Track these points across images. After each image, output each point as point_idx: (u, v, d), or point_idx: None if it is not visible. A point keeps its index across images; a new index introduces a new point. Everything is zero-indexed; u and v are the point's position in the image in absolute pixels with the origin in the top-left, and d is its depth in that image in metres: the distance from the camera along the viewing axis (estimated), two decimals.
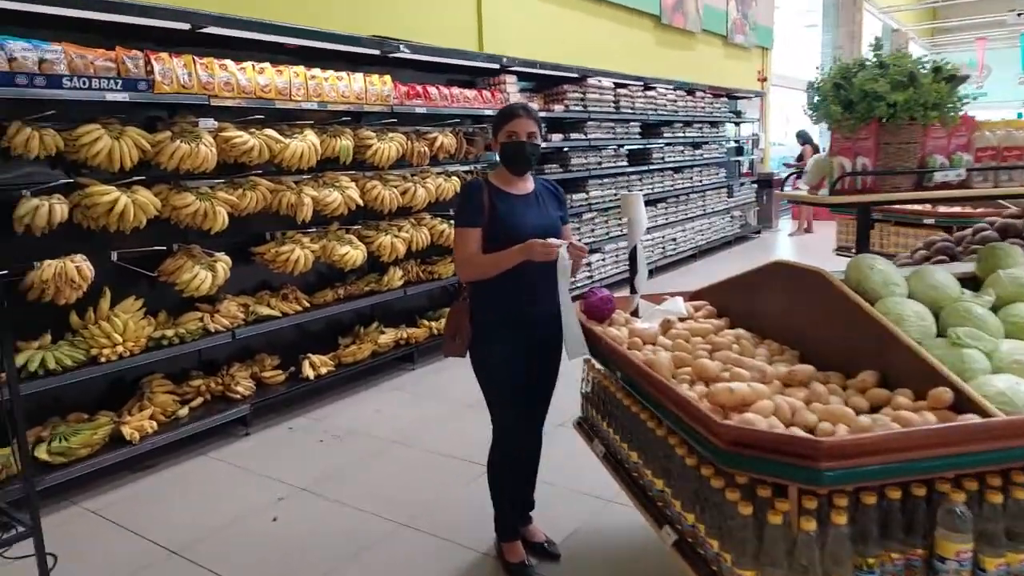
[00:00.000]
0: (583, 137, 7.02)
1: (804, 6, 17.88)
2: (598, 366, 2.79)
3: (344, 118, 4.84)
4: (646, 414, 2.19)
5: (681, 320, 2.76)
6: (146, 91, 3.58)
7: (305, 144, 4.37)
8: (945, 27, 27.76)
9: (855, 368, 2.01)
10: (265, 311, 4.34)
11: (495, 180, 2.59)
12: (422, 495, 3.37)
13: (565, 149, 6.97)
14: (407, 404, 4.66)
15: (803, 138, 12.01)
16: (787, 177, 11.85)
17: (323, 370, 4.63)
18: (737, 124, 11.31)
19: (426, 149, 5.26)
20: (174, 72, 3.68)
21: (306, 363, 4.61)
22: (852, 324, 2.06)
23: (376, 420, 4.38)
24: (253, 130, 4.14)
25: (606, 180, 7.59)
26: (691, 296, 3.09)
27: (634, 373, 2.20)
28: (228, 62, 3.97)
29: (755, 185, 11.77)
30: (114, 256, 3.77)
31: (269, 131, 4.20)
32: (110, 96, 3.43)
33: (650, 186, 8.42)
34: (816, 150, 11.67)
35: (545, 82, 6.83)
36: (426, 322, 5.53)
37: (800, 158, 12.00)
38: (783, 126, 15.03)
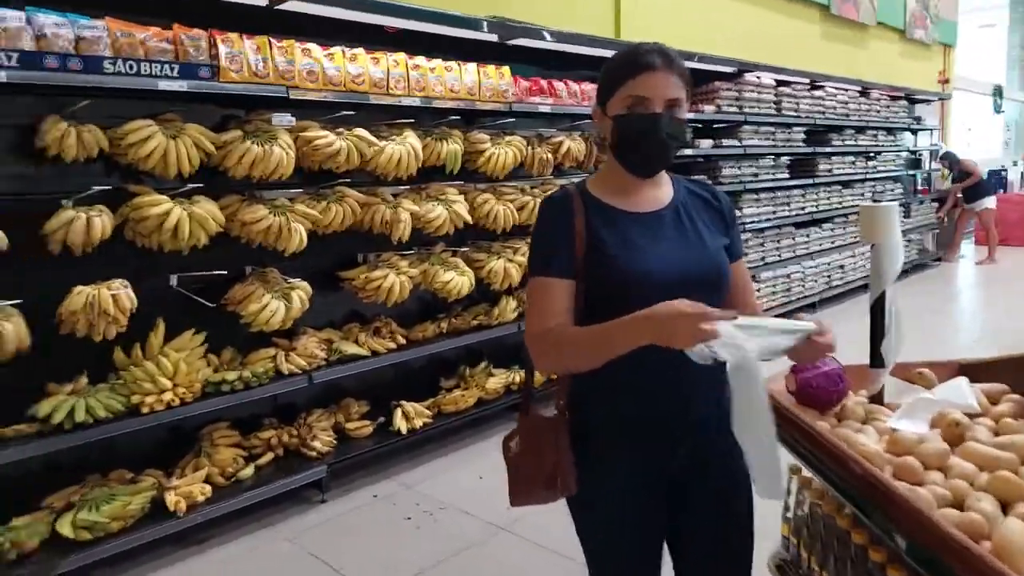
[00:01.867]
0: (737, 143, 5.88)
1: (983, 2, 15.58)
2: (817, 482, 1.73)
3: (452, 117, 4.02)
4: None
5: (971, 417, 1.65)
6: (210, 79, 2.89)
7: (404, 148, 3.58)
8: None
9: None
10: (351, 349, 3.56)
11: (597, 188, 1.50)
12: None
13: (714, 157, 5.85)
14: None
15: (948, 159, 10.05)
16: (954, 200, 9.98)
17: (418, 422, 3.79)
18: (914, 132, 9.63)
19: (549, 156, 4.35)
20: (245, 57, 2.98)
21: (399, 412, 3.79)
22: None
23: (478, 492, 3.46)
24: (341, 130, 3.39)
25: (763, 195, 6.37)
26: (961, 368, 1.96)
27: (946, 554, 1.13)
28: (312, 46, 3.24)
29: (935, 204, 10.00)
30: (173, 281, 3.10)
31: (360, 131, 3.43)
32: (164, 84, 2.76)
33: (814, 203, 7.08)
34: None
35: (693, 77, 5.74)
36: None
37: (964, 175, 9.91)
38: (963, 135, 12.98)
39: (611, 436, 1.49)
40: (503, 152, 4.04)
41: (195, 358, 3.08)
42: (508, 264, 4.15)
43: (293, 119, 3.18)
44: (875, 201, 8.34)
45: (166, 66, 2.77)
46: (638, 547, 1.54)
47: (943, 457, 1.45)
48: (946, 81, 11.20)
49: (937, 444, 1.49)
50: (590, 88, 4.58)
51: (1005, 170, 14.61)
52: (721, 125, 5.92)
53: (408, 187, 3.81)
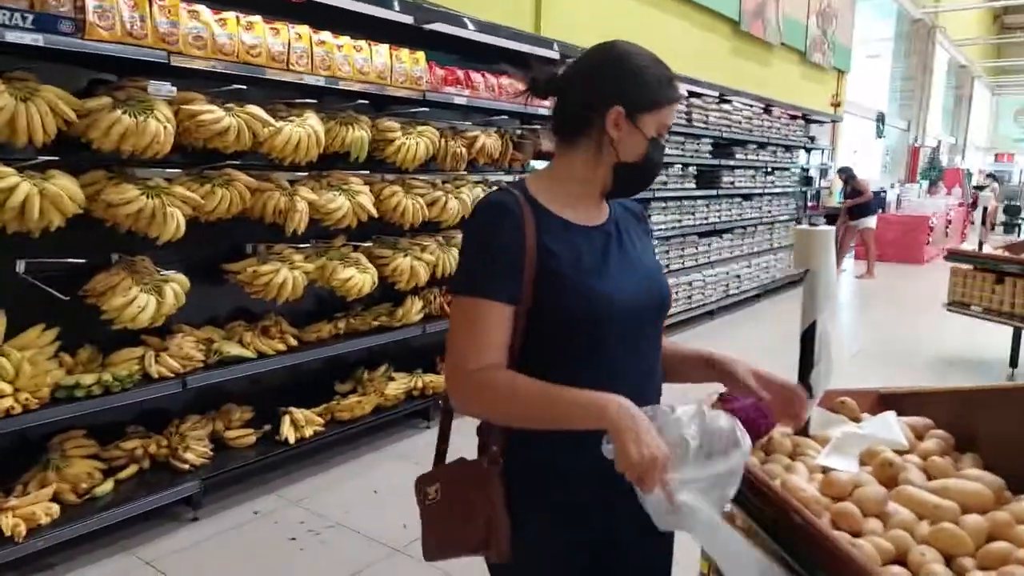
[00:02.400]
0: None
1: (870, 35, 16.60)
2: (742, 519, 1.61)
3: (360, 102, 3.72)
4: None
5: (900, 455, 1.57)
6: (73, 35, 2.48)
7: (304, 131, 3.26)
8: (1012, 67, 26.27)
9: None
10: (235, 350, 3.20)
11: (543, 195, 1.27)
12: None
13: None
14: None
15: (846, 173, 10.66)
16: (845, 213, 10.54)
17: (308, 431, 3.48)
18: (808, 151, 10.07)
19: (463, 150, 4.13)
20: (118, 13, 2.58)
21: (287, 420, 3.47)
22: None
23: (373, 507, 3.20)
24: (231, 106, 3.03)
25: (670, 203, 6.41)
26: (880, 398, 1.91)
27: None
28: (201, 8, 2.87)
29: (824, 220, 10.50)
30: (20, 267, 2.66)
31: (254, 109, 3.08)
32: (13, 36, 2.33)
33: (717, 214, 7.22)
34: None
35: None
36: None
37: (855, 193, 10.51)
38: (850, 157, 13.75)
39: (553, 490, 1.27)
40: (414, 143, 3.78)
41: (43, 358, 2.66)
42: (415, 262, 3.90)
43: (174, 89, 2.80)
44: (771, 215, 8.64)
45: (16, 15, 2.34)
46: None
47: (881, 504, 1.35)
48: (838, 104, 11.81)
49: (874, 488, 1.39)
50: (507, 83, 4.39)
51: (884, 191, 15.65)
52: None
53: (307, 174, 3.48)
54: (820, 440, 1.68)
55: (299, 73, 3.19)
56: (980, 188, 18.14)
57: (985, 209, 8.78)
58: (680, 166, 6.51)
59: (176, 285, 2.91)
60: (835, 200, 12.01)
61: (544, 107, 4.83)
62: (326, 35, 3.32)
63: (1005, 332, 5.72)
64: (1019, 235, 16.68)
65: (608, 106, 1.24)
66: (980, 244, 6.37)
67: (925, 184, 15.71)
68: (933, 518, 1.30)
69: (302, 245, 3.51)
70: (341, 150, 3.54)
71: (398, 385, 4.00)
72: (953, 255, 6.16)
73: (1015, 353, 5.74)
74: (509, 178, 4.68)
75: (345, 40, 3.40)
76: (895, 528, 1.30)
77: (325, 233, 3.66)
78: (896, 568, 1.20)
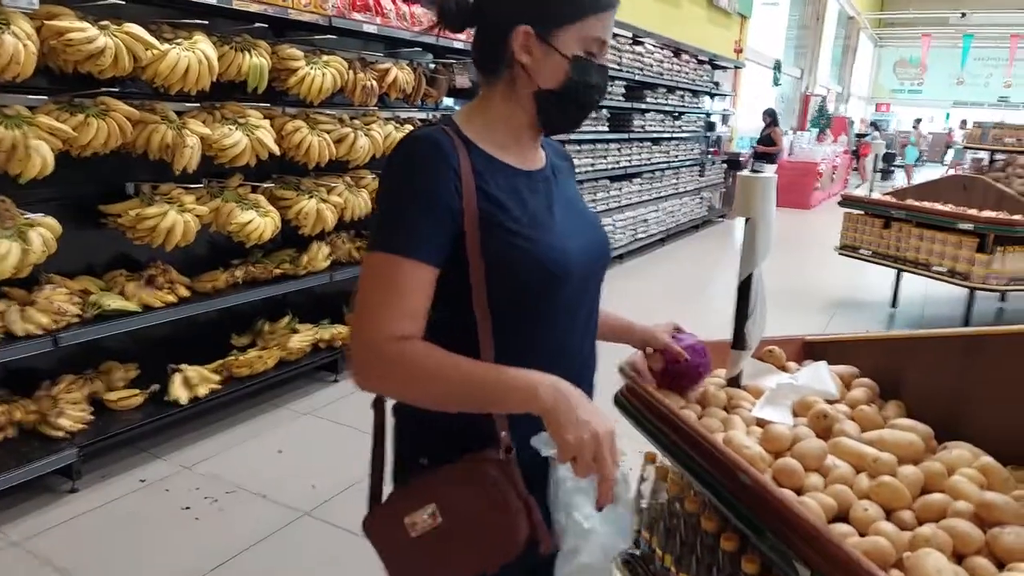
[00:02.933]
0: None
1: None
2: (675, 470, 1.59)
3: (257, 25, 3.36)
4: None
5: (831, 402, 1.57)
6: None
7: (194, 56, 2.90)
8: (894, 19, 27.66)
9: None
10: (115, 303, 2.89)
11: (477, 135, 1.09)
12: None
13: None
14: (323, 439, 3.32)
15: (771, 116, 11.16)
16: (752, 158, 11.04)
17: (203, 389, 3.22)
18: (712, 96, 10.22)
19: (374, 84, 3.84)
20: None
21: (177, 378, 3.19)
22: None
23: (278, 469, 3.03)
24: (107, 23, 2.65)
25: (584, 147, 6.34)
26: (805, 345, 1.92)
27: None
28: None
29: (724, 165, 10.78)
30: None
31: (134, 28, 2.70)
32: None
33: (628, 158, 7.22)
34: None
35: None
36: None
37: (768, 140, 11.18)
38: (750, 103, 14.12)
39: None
40: (320, 73, 3.47)
41: None
42: (322, 205, 3.64)
43: (36, 1, 2.40)
44: (678, 159, 8.75)
45: None
46: None
47: (820, 458, 1.34)
48: (740, 51, 12.01)
49: (814, 443, 1.38)
50: (420, 12, 4.10)
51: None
52: None
53: (198, 105, 3.13)
54: (752, 391, 1.67)
55: None
56: (862, 136, 19.20)
57: (876, 156, 9.25)
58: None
59: (44, 230, 2.56)
60: (735, 146, 12.36)
61: (459, 40, 4.60)
62: None
63: (888, 274, 6.10)
64: (894, 181, 17.84)
65: (513, 27, 1.06)
66: (870, 189, 6.70)
67: (815, 132, 16.40)
68: (872, 471, 1.29)
69: (193, 185, 3.18)
70: (237, 79, 3.19)
71: (303, 337, 3.78)
72: (847, 201, 6.45)
73: (896, 293, 6.13)
74: (423, 115, 4.44)
75: None
76: (835, 483, 1.29)
77: (220, 172, 3.33)
78: (842, 526, 1.19)
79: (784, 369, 1.79)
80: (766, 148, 10.44)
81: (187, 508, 2.70)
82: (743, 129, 13.52)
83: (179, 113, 3.03)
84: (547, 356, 1.06)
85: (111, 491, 2.79)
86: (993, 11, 22.84)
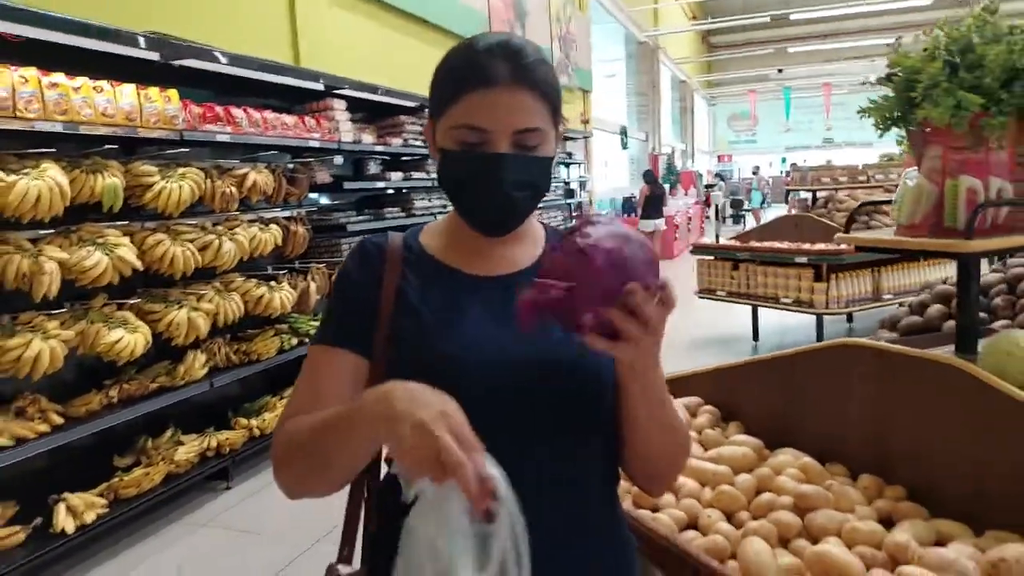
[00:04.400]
0: (426, 176, 5.99)
1: (606, 55, 18.44)
2: None
3: (107, 147, 3.39)
4: None
5: None
6: None
7: (44, 183, 2.90)
8: (721, 80, 30.75)
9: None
10: None
11: (433, 238, 1.05)
12: None
13: (406, 190, 5.90)
14: (224, 550, 3.23)
15: (649, 177, 12.19)
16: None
17: (90, 515, 3.08)
18: (567, 166, 10.94)
19: (233, 190, 3.92)
20: None
21: (61, 508, 3.03)
22: None
23: None
24: None
25: None
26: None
27: None
28: None
29: None
30: None
31: None
32: None
33: None
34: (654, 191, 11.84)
35: (379, 111, 5.73)
36: (243, 420, 4.11)
37: (657, 199, 12.23)
38: (602, 169, 15.12)
39: None
40: (176, 186, 3.52)
41: None
42: (193, 313, 3.63)
43: None
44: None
45: None
46: None
47: None
48: (587, 121, 12.95)
49: None
50: (273, 117, 4.26)
51: (634, 197, 17.43)
52: (408, 158, 5.99)
53: (53, 231, 3.10)
54: None
55: (29, 120, 2.84)
56: (710, 187, 20.94)
57: (717, 206, 10.19)
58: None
59: None
60: (595, 208, 13.14)
61: (315, 138, 4.78)
62: (60, 77, 2.99)
63: (746, 311, 6.68)
64: (744, 225, 19.47)
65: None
66: (716, 237, 7.38)
67: (667, 187, 17.74)
68: (713, 483, 1.51)
69: (56, 311, 3.11)
70: (91, 200, 3.20)
71: (189, 448, 3.68)
72: (698, 249, 7.06)
73: (755, 327, 6.71)
74: (287, 213, 4.54)
75: (83, 81, 3.09)
76: (685, 498, 1.49)
77: (82, 293, 3.28)
78: (690, 532, 1.39)
79: None
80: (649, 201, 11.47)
81: None
82: (599, 192, 14.43)
83: (34, 241, 2.99)
84: None
85: None
86: (805, 65, 25.97)
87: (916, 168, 1.46)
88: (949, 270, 5.75)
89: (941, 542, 1.21)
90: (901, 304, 2.91)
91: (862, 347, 1.51)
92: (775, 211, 21.35)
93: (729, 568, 1.18)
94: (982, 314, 2.21)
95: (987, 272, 2.54)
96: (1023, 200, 1.42)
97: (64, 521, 3.00)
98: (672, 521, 1.40)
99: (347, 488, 0.99)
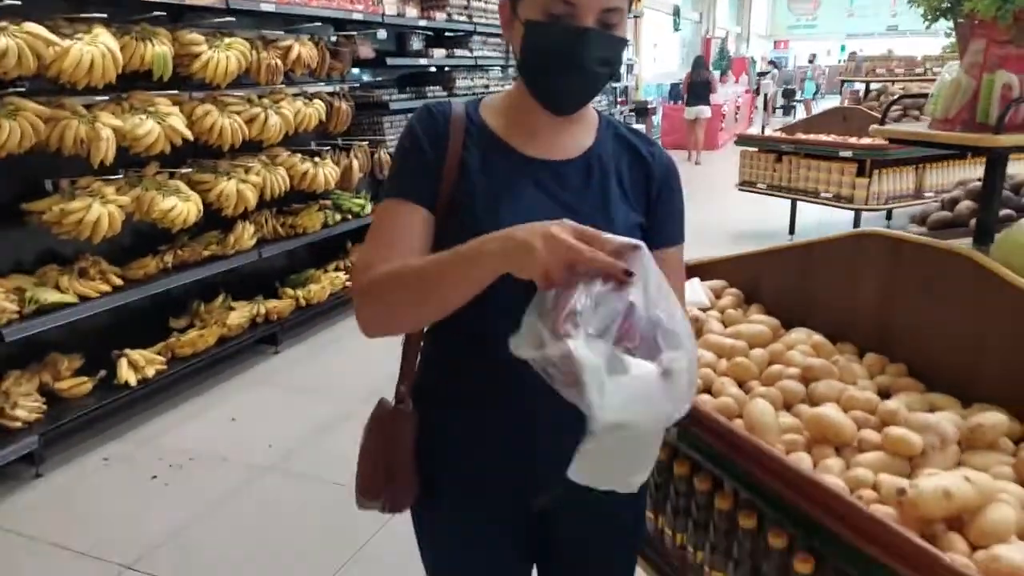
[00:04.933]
0: (468, 54, 5.88)
1: None
2: None
3: (155, 14, 3.41)
4: (746, 514, 1.30)
5: (703, 311, 1.90)
6: None
7: (96, 49, 2.96)
8: None
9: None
10: (52, 296, 2.98)
11: (493, 115, 1.08)
12: (319, 561, 2.34)
13: (449, 68, 5.81)
14: (274, 406, 3.52)
15: (696, 63, 11.68)
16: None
17: (150, 370, 3.36)
18: None
19: (278, 62, 3.94)
20: None
21: (123, 363, 3.32)
22: None
23: (234, 434, 3.22)
24: (6, 24, 2.69)
25: None
26: (689, 269, 2.24)
27: (718, 440, 1.29)
28: None
29: (633, 114, 11.16)
30: None
31: (34, 27, 2.75)
32: None
33: None
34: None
35: None
36: (290, 291, 4.32)
37: (704, 85, 11.72)
38: (651, 51, 14.51)
39: (467, 446, 1.09)
40: (223, 56, 3.55)
41: None
42: (241, 185, 3.76)
43: None
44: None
45: None
46: None
47: None
48: (638, 0, 12.32)
49: None
50: None
51: (681, 83, 16.77)
52: (453, 34, 5.86)
53: (107, 98, 3.18)
54: None
55: None
56: (763, 74, 19.97)
57: (766, 95, 9.78)
58: (500, 68, 6.61)
59: None
60: (641, 94, 12.76)
61: (358, 10, 4.71)
62: None
63: (785, 205, 6.60)
64: (794, 116, 18.70)
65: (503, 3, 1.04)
66: (763, 128, 7.18)
67: (717, 74, 16.99)
68: (729, 355, 1.62)
69: (112, 176, 3.25)
70: (141, 69, 3.26)
71: (240, 314, 3.92)
72: (741, 140, 6.90)
73: (792, 222, 6.65)
74: (330, 88, 4.55)
75: None
76: (703, 368, 1.60)
77: (135, 161, 3.41)
78: (705, 396, 1.51)
79: None
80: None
81: (154, 477, 2.88)
82: (647, 77, 13.93)
83: (88, 107, 3.09)
84: (468, 339, 1.02)
85: (77, 471, 2.94)
86: None
87: (958, 62, 1.44)
88: None
89: (932, 412, 1.31)
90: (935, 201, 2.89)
91: (877, 235, 1.56)
92: (828, 102, 20.41)
93: (735, 424, 1.30)
94: (1012, 211, 2.20)
95: None
96: None
97: (127, 374, 3.29)
98: None
99: (398, 348, 1.12)
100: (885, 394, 1.42)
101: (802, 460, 1.24)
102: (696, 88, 11.16)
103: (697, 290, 1.97)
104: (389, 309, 0.98)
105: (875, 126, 2.05)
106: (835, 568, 1.10)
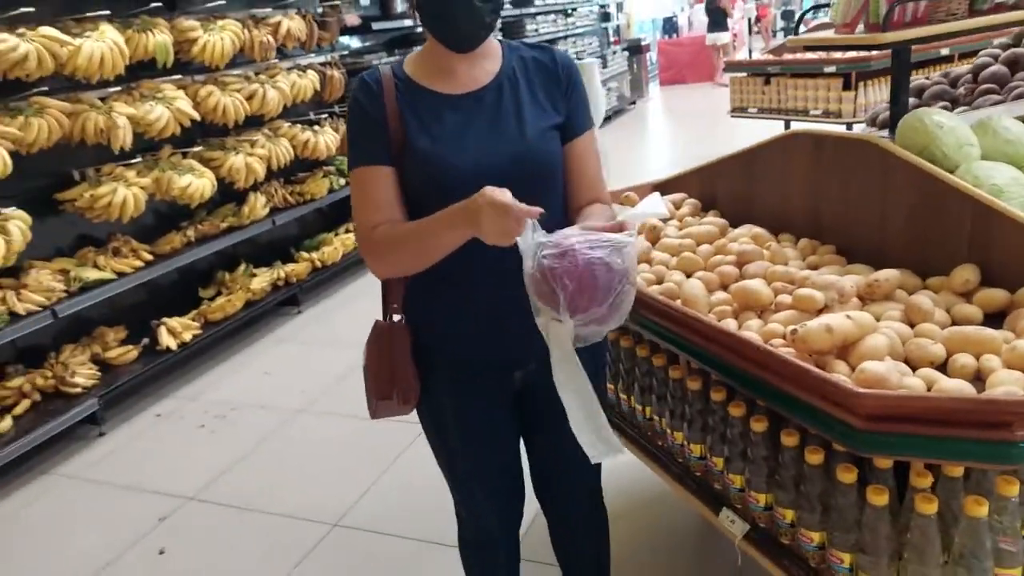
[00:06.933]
0: None
1: None
2: None
3: (153, 4, 3.64)
4: (692, 378, 1.57)
5: (664, 222, 2.15)
6: None
7: (104, 44, 3.21)
8: None
9: (933, 264, 1.50)
10: (93, 275, 3.30)
11: (414, 67, 1.30)
12: (357, 478, 2.68)
13: None
14: (301, 359, 3.85)
15: None
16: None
17: (187, 335, 3.69)
18: None
19: (270, 38, 4.17)
20: None
21: (163, 330, 3.65)
22: (927, 205, 1.52)
23: (268, 386, 3.56)
24: (23, 30, 2.95)
25: None
26: (654, 187, 2.48)
27: (660, 317, 1.56)
28: None
29: (626, 53, 11.17)
30: None
31: (47, 30, 3.01)
32: None
33: None
34: None
35: None
36: (305, 254, 4.62)
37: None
38: None
39: (453, 343, 1.36)
40: (219, 39, 3.79)
41: None
42: (249, 159, 4.03)
43: None
44: (578, 57, 9.12)
45: None
46: (494, 462, 1.46)
47: (646, 253, 1.92)
48: None
49: (641, 243, 1.95)
50: None
51: (675, 16, 16.61)
52: None
53: (118, 89, 3.45)
54: None
55: None
56: None
57: (750, 20, 9.78)
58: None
59: (19, 222, 2.94)
60: (633, 32, 12.72)
61: None
62: None
63: (777, 127, 6.72)
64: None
65: None
66: (749, 52, 7.24)
67: None
68: (678, 252, 1.87)
69: (131, 161, 3.54)
70: (145, 58, 3.51)
71: (262, 279, 4.23)
72: (730, 67, 6.99)
73: None
74: (321, 58, 4.77)
75: None
76: (656, 265, 1.86)
77: (150, 145, 3.69)
78: (656, 286, 1.77)
79: (633, 205, 2.35)
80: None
81: (202, 426, 3.23)
82: (641, 14, 13.83)
83: (103, 99, 3.36)
84: (451, 261, 1.21)
85: (135, 427, 3.31)
86: None
87: None
88: None
89: None
90: None
91: (804, 134, 1.79)
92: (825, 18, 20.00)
93: (675, 304, 1.56)
94: (946, 103, 2.39)
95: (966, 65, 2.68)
96: None
97: (167, 340, 3.62)
98: (643, 280, 1.78)
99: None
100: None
101: (729, 324, 1.51)
102: (713, 15, 11.48)
103: (657, 203, 2.20)
104: (394, 264, 1.28)
105: (791, 36, 2.26)
106: (765, 409, 1.38)
